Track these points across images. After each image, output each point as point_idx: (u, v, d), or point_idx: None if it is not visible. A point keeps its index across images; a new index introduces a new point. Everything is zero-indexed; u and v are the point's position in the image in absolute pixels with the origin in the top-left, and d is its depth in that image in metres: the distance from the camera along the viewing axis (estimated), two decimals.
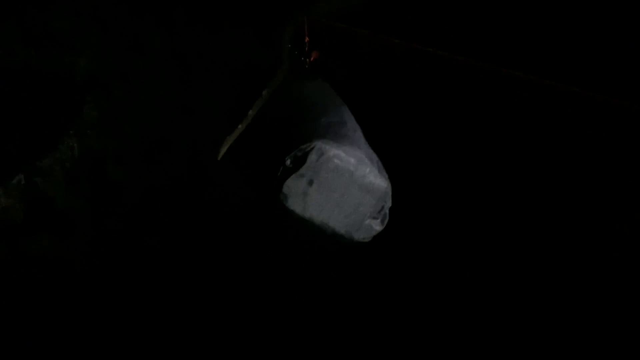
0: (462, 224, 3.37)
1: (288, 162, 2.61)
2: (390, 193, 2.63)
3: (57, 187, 3.56)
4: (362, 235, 2.70)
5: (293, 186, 2.62)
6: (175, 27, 3.71)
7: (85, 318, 3.45)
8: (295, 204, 2.68)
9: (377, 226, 2.69)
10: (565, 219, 3.43)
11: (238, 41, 3.77)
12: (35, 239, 3.54)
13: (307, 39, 3.32)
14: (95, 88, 3.54)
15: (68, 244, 3.61)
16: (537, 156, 3.46)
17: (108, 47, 3.52)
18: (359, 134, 2.80)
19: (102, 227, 3.68)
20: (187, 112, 3.81)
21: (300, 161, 2.56)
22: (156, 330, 3.53)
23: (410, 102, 3.51)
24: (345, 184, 2.58)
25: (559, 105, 3.41)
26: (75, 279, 3.56)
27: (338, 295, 3.29)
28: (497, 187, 3.44)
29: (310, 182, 2.57)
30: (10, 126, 3.42)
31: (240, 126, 3.65)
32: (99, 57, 3.52)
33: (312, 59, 3.35)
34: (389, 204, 2.67)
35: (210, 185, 3.85)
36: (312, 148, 2.53)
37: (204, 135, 3.84)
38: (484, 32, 3.53)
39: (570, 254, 3.36)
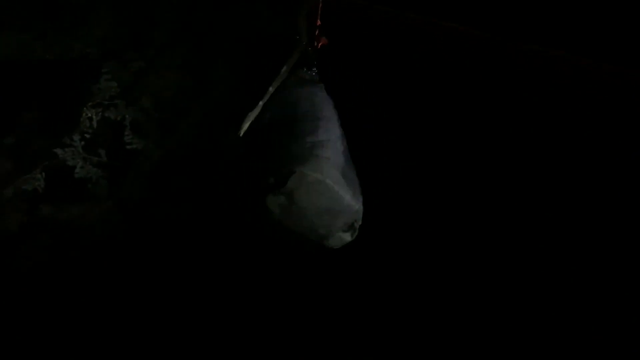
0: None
1: (271, 180, 2.87)
2: (361, 213, 2.91)
3: (76, 157, 3.64)
4: (332, 244, 2.97)
5: (272, 201, 2.88)
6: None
7: (104, 284, 3.60)
8: (273, 214, 2.93)
9: (347, 237, 2.96)
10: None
11: (253, 11, 3.73)
12: (55, 207, 3.66)
13: (318, 22, 3.26)
14: (111, 59, 3.55)
15: (87, 211, 3.72)
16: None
17: (123, 18, 3.50)
18: (340, 153, 3.00)
19: (119, 195, 3.78)
20: (203, 82, 3.82)
21: (281, 182, 2.80)
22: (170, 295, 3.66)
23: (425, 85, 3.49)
24: (321, 205, 2.86)
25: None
26: (93, 246, 3.68)
27: (306, 296, 3.49)
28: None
29: (289, 200, 2.84)
30: (29, 99, 3.47)
31: (261, 102, 3.64)
32: (114, 29, 3.51)
33: (319, 45, 3.31)
34: (359, 222, 2.92)
35: (226, 157, 3.89)
36: (293, 173, 2.80)
37: (221, 106, 3.86)
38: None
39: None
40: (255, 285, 3.68)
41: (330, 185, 2.85)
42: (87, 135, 3.66)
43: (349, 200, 2.91)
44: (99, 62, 3.53)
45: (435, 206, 3.55)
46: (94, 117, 3.63)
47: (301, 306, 3.58)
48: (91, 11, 3.42)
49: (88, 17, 3.42)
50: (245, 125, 3.61)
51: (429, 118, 3.56)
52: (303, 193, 2.85)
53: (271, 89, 3.51)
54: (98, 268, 3.64)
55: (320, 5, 3.32)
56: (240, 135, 3.53)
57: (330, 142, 3.03)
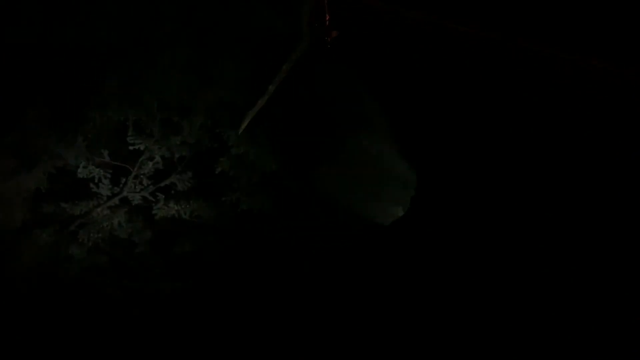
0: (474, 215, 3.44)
1: (324, 150, 2.80)
2: (414, 185, 2.80)
3: (79, 157, 3.65)
4: (382, 220, 2.90)
5: (327, 173, 2.81)
6: None
7: (106, 282, 3.60)
8: (327, 188, 2.87)
9: (399, 211, 2.89)
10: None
11: (255, 10, 3.74)
12: (58, 206, 3.67)
13: (327, 16, 3.28)
14: (115, 58, 3.56)
15: (89, 210, 3.73)
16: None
17: (127, 17, 3.51)
18: (388, 124, 2.93)
19: (121, 193, 3.79)
20: (206, 80, 3.82)
21: (336, 151, 2.74)
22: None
23: (432, 80, 3.50)
24: (377, 174, 2.79)
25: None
26: (95, 244, 3.69)
27: (359, 271, 3.45)
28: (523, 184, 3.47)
29: (344, 171, 2.78)
30: (33, 98, 3.47)
31: (260, 101, 3.65)
32: (118, 28, 3.52)
33: (331, 37, 3.33)
34: (412, 193, 2.84)
35: (228, 154, 3.90)
36: (348, 140, 2.73)
37: (223, 104, 3.86)
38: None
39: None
40: (256, 285, 3.69)
41: (388, 154, 2.79)
42: (90, 135, 3.68)
43: (405, 170, 2.85)
44: (103, 62, 3.53)
45: (434, 204, 3.54)
46: (97, 117, 3.64)
47: (299, 307, 3.58)
48: (96, 10, 3.42)
49: (93, 16, 3.41)
50: (245, 123, 3.63)
51: (428, 116, 3.56)
52: (359, 162, 2.79)
53: (271, 87, 3.52)
54: (99, 266, 3.64)
55: (327, 2, 3.35)
56: (240, 133, 3.53)
57: (378, 112, 2.98)
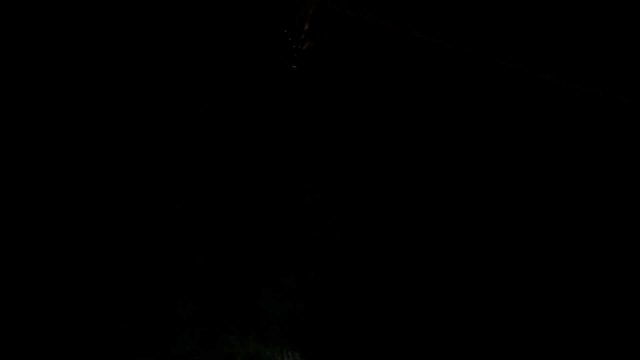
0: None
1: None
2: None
3: (74, 166, 3.70)
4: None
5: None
6: (191, 5, 3.77)
7: (105, 284, 3.60)
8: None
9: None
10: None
11: (253, 22, 3.81)
12: (53, 208, 3.71)
13: (306, 26, 3.38)
14: (110, 67, 3.65)
15: (84, 213, 3.76)
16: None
17: (123, 25, 3.61)
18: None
19: (117, 203, 3.82)
20: (203, 91, 3.88)
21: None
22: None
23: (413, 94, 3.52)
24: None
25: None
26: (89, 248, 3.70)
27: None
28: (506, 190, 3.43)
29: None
30: (27, 100, 3.56)
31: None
32: (114, 35, 3.62)
33: (304, 47, 3.42)
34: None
35: (227, 165, 3.92)
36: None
37: (220, 115, 3.91)
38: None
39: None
40: (241, 298, 3.67)
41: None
42: (86, 139, 3.73)
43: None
44: (98, 70, 3.62)
45: (433, 209, 3.50)
46: (89, 127, 3.70)
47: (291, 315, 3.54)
48: (92, 17, 3.52)
49: (89, 23, 3.52)
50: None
51: (415, 124, 3.56)
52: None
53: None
54: (96, 271, 3.65)
55: (311, 13, 3.43)
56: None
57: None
